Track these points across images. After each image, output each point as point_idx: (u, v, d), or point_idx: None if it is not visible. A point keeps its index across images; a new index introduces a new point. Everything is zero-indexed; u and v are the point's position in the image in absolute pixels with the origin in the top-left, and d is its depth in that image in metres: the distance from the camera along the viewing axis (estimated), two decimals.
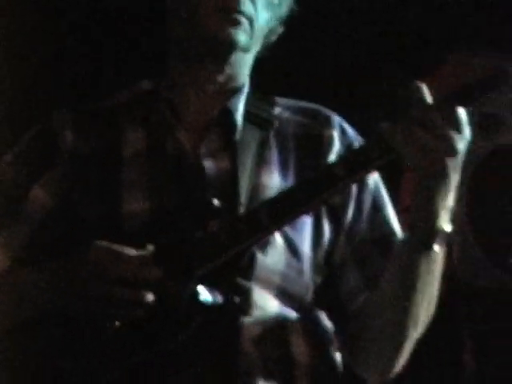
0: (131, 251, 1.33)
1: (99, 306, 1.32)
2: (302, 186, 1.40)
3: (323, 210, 1.49)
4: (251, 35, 1.50)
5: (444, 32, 2.90)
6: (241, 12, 1.48)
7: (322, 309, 1.50)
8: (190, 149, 1.50)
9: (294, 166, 1.51)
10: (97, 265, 1.33)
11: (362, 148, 1.42)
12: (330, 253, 1.50)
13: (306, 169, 1.50)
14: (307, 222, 1.46)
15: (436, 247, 1.37)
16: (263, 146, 1.51)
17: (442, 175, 1.32)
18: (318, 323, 1.49)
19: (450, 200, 1.35)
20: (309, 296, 1.48)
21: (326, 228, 1.49)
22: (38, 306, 1.39)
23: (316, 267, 1.48)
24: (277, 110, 1.57)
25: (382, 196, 1.55)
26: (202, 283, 1.35)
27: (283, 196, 1.38)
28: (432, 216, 1.35)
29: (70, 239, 1.48)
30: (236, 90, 1.55)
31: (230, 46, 1.49)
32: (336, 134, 1.55)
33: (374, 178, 1.54)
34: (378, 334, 1.46)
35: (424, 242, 1.36)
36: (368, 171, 1.40)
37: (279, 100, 1.60)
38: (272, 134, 1.53)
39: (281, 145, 1.53)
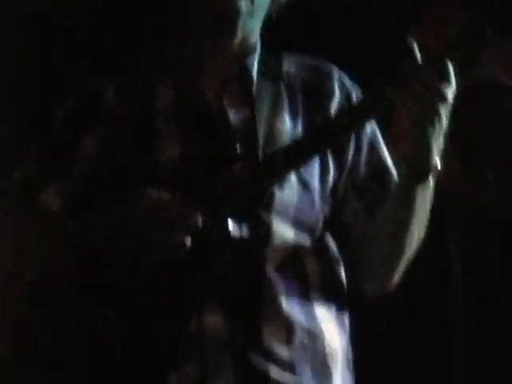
0: (176, 198, 1.58)
1: (150, 246, 1.57)
2: (313, 133, 1.66)
3: (328, 151, 1.74)
4: (252, 2, 1.71)
5: None
6: None
7: (330, 233, 1.77)
8: (214, 101, 1.73)
9: (302, 113, 1.76)
10: (149, 211, 1.57)
11: (363, 100, 1.68)
12: (334, 187, 1.75)
13: (312, 116, 1.75)
14: (315, 160, 1.71)
15: (430, 178, 1.64)
16: (276, 97, 1.76)
17: (435, 120, 1.57)
18: (326, 246, 1.75)
19: (440, 140, 1.60)
20: (320, 223, 1.73)
21: (331, 166, 1.74)
22: (95, 243, 1.63)
23: (324, 198, 1.73)
24: (285, 66, 1.81)
25: (377, 138, 1.80)
26: (231, 218, 1.60)
27: (296, 143, 1.64)
28: (428, 156, 1.60)
29: (116, 184, 1.71)
30: (250, 50, 1.78)
31: (235, 14, 1.71)
32: (336, 86, 1.79)
33: (371, 124, 1.79)
34: (378, 252, 1.73)
35: (421, 176, 1.63)
36: (368, 120, 1.66)
37: (287, 56, 1.84)
38: (282, 87, 1.78)
39: (290, 96, 1.77)
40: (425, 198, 1.67)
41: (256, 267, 1.64)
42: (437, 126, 1.58)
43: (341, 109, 1.75)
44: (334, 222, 1.77)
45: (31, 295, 1.69)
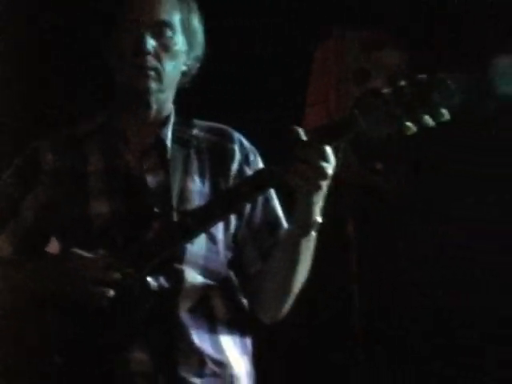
0: (97, 256, 1.93)
1: (76, 296, 1.92)
2: (218, 200, 2.00)
3: None
4: (161, 81, 2.06)
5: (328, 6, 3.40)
6: (147, 67, 2.03)
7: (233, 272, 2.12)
8: (135, 166, 2.07)
9: (209, 172, 2.10)
10: (72, 268, 1.92)
11: (259, 172, 2.01)
12: (235, 235, 2.11)
13: (217, 174, 2.10)
14: None
15: (313, 233, 1.99)
16: (186, 160, 2.09)
17: (318, 192, 1.90)
18: (230, 284, 2.10)
19: (321, 203, 1.93)
20: (224, 268, 2.09)
21: (233, 218, 2.09)
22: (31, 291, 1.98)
23: (227, 247, 2.09)
24: (195, 131, 2.15)
25: (271, 195, 2.14)
26: (150, 273, 1.94)
27: (204, 208, 1.98)
28: (311, 216, 1.94)
29: (54, 234, 2.08)
30: (165, 120, 2.13)
31: (146, 92, 2.06)
32: (236, 147, 2.14)
33: None
34: (270, 289, 2.08)
35: (305, 232, 1.97)
36: (265, 190, 2.01)
37: (196, 122, 2.18)
38: (192, 150, 2.11)
39: (199, 158, 2.11)
40: (308, 246, 2.01)
41: (171, 311, 1.98)
42: (319, 195, 1.92)
43: (241, 178, 2.07)
44: (234, 263, 2.13)
45: None
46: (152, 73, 2.04)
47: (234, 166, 2.12)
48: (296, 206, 1.96)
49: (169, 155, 2.09)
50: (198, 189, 2.07)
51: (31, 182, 2.10)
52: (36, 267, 2.02)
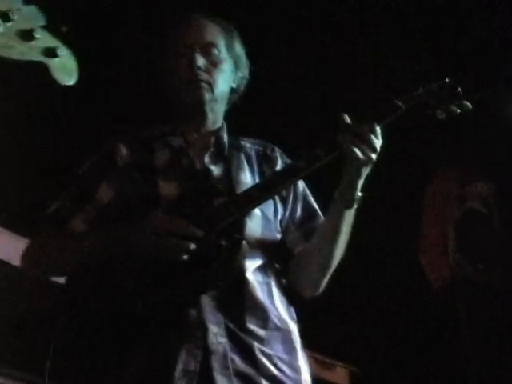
0: (178, 217, 2.19)
1: (158, 251, 2.15)
2: (276, 175, 2.37)
3: (277, 199, 2.43)
4: (213, 91, 2.45)
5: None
6: (200, 80, 2.42)
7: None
8: (197, 160, 2.43)
9: (256, 171, 2.47)
10: (157, 224, 2.17)
11: (317, 150, 2.31)
12: (280, 221, 2.45)
13: (264, 173, 2.46)
14: (271, 203, 2.40)
15: (354, 207, 2.32)
16: (238, 161, 2.47)
17: (367, 163, 2.24)
18: (281, 262, 2.42)
19: (363, 178, 2.28)
20: (276, 244, 2.40)
21: (279, 207, 2.44)
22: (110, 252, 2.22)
23: (276, 228, 2.42)
24: (242, 142, 2.54)
25: (307, 191, 2.52)
26: (219, 237, 2.19)
27: (264, 182, 2.35)
28: (355, 189, 2.29)
29: (127, 215, 2.32)
30: (219, 126, 2.52)
31: (201, 102, 2.45)
32: (278, 156, 2.53)
33: (303, 184, 2.51)
34: (314, 264, 2.37)
35: (350, 204, 2.30)
36: (321, 163, 2.27)
37: (242, 138, 2.56)
38: (242, 155, 2.49)
39: (248, 160, 2.48)
40: (349, 220, 2.34)
41: (240, 270, 2.26)
42: (367, 168, 2.27)
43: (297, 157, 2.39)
44: (280, 246, 2.45)
45: None
46: (205, 85, 2.44)
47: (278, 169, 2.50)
48: (343, 180, 2.30)
49: (226, 152, 2.47)
50: (248, 180, 2.43)
51: (107, 171, 2.41)
52: (118, 229, 2.27)
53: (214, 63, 2.46)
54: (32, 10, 1.53)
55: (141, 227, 2.21)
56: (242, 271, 2.27)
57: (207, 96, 2.44)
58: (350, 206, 2.31)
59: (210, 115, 2.48)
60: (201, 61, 2.43)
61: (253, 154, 2.51)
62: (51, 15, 1.56)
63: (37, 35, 1.51)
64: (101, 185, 2.41)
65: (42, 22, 1.54)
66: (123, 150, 2.44)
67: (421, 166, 4.60)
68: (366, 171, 2.28)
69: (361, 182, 2.29)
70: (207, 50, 2.46)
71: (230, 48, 2.52)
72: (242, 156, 2.49)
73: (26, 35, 1.50)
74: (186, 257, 2.16)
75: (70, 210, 2.40)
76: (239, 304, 2.25)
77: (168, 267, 2.18)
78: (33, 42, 1.52)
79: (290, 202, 2.48)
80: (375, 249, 4.66)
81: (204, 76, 2.43)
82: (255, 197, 2.27)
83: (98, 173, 2.43)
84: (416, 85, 2.40)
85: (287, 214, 2.47)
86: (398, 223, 4.59)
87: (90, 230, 2.37)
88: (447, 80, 2.38)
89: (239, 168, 2.45)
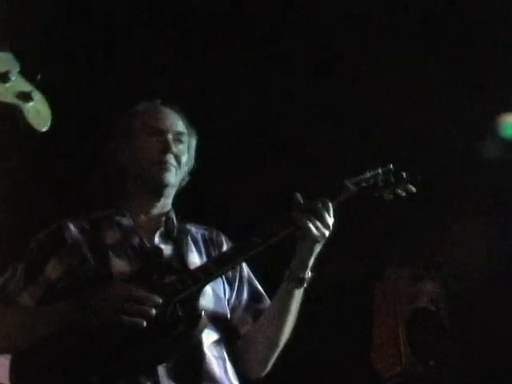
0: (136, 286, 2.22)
1: (118, 317, 2.17)
2: (232, 250, 2.42)
3: (224, 280, 2.47)
4: (177, 177, 2.55)
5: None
6: (172, 163, 2.52)
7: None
8: (147, 240, 2.47)
9: (204, 253, 2.53)
10: (119, 291, 2.21)
11: (272, 226, 2.38)
12: (228, 300, 2.48)
13: (211, 256, 2.51)
14: (220, 282, 2.45)
15: (304, 286, 2.38)
16: (187, 242, 2.53)
17: (321, 239, 2.33)
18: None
19: (314, 257, 2.36)
20: (226, 322, 2.44)
21: (226, 287, 2.49)
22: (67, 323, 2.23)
23: (226, 305, 2.46)
24: (188, 226, 2.60)
25: (252, 276, 2.59)
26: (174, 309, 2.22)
27: (219, 257, 2.41)
28: (306, 268, 2.36)
29: (77, 291, 2.33)
30: (169, 207, 2.59)
31: (166, 184, 2.53)
32: (224, 240, 2.60)
33: (247, 269, 2.57)
34: (260, 344, 2.43)
35: (300, 284, 2.37)
36: (277, 238, 2.35)
37: (187, 222, 2.62)
38: (189, 238, 2.55)
39: (194, 242, 2.55)
40: (298, 299, 2.40)
41: (197, 344, 2.30)
42: (319, 245, 2.35)
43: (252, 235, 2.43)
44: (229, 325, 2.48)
45: None
46: (173, 169, 2.53)
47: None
48: (295, 259, 2.39)
49: (175, 234, 2.53)
50: (197, 262, 2.47)
51: (56, 248, 2.43)
52: (77, 299, 2.28)
53: (181, 151, 2.57)
54: (8, 56, 1.58)
55: (102, 294, 2.24)
56: (199, 345, 2.31)
57: (172, 180, 2.54)
58: (300, 285, 2.39)
59: (163, 198, 2.57)
60: (173, 146, 2.54)
61: (199, 237, 2.59)
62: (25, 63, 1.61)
63: (12, 77, 1.56)
64: (49, 261, 2.42)
65: (17, 68, 1.59)
66: (72, 228, 2.49)
67: (370, 265, 4.69)
68: (317, 248, 2.36)
69: (312, 260, 2.37)
70: (179, 138, 2.58)
71: (190, 142, 2.63)
72: (189, 239, 2.56)
73: (2, 77, 1.55)
74: (145, 323, 2.19)
75: (18, 285, 2.41)
76: (197, 377, 2.28)
77: (125, 336, 2.20)
78: (7, 84, 1.56)
79: (236, 284, 2.55)
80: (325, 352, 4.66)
81: (173, 161, 2.53)
82: (211, 270, 2.33)
83: (46, 249, 2.46)
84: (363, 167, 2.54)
85: (233, 294, 2.53)
86: (348, 328, 4.64)
87: (42, 306, 2.37)
88: (391, 166, 2.54)
89: (188, 249, 2.51)
